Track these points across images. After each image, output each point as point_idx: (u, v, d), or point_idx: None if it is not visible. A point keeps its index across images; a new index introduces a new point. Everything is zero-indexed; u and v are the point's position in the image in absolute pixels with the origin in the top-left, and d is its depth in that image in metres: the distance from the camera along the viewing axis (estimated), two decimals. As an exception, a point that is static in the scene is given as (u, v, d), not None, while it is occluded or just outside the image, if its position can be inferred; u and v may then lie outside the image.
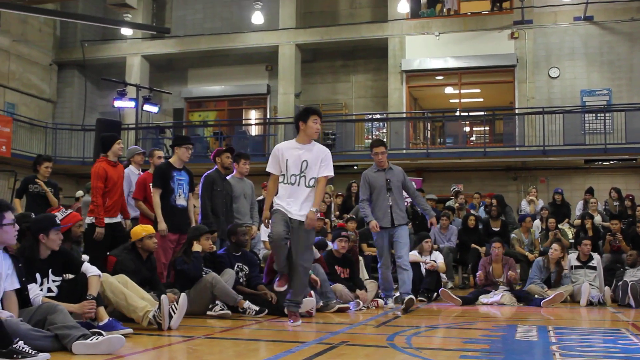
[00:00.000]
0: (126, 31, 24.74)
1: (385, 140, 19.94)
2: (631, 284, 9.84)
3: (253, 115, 26.63)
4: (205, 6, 25.60)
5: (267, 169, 7.06)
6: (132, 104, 19.96)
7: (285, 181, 6.97)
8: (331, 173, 7.06)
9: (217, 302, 7.56)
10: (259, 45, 24.01)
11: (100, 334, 4.98)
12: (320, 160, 7.01)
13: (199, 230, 8.11)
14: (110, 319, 5.82)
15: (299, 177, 6.96)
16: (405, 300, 8.66)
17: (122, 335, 5.21)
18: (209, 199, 9.18)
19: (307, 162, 6.97)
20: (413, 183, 10.19)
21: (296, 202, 6.90)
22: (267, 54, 24.10)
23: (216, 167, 9.53)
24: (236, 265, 8.37)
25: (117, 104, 19.83)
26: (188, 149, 8.66)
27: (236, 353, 5.42)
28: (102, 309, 5.78)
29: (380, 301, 9.49)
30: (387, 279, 9.28)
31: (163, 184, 8.45)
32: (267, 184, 7.30)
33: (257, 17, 23.69)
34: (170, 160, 8.79)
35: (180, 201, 8.56)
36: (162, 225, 8.26)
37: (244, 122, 26.20)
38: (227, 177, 9.60)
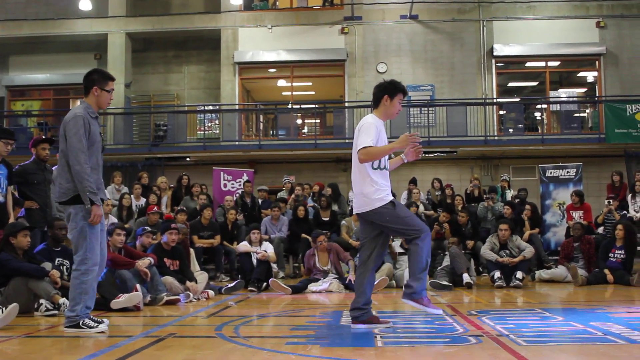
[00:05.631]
0: (-61, 13, 23.06)
1: (218, 132, 20.02)
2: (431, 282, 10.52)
3: (81, 106, 25.64)
4: (29, -11, 24.31)
5: (369, 144, 5.86)
6: (-55, 91, 18.67)
7: (380, 166, 6.00)
8: None
9: (41, 301, 7.25)
10: (87, 33, 23.16)
11: None
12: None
13: (15, 227, 7.76)
14: None
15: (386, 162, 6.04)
16: None
17: None
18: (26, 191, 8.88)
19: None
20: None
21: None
22: (95, 42, 23.32)
23: (34, 157, 9.11)
24: (57, 260, 8.13)
25: None
26: (7, 143, 8.27)
27: (59, 350, 5.25)
28: None
29: (211, 292, 9.53)
30: None
31: (-23, 178, 8.05)
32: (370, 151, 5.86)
33: (85, 4, 22.70)
34: (-13, 153, 8.36)
35: (-3, 196, 8.19)
36: (-24, 221, 7.87)
37: (71, 112, 25.08)
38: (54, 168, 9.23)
